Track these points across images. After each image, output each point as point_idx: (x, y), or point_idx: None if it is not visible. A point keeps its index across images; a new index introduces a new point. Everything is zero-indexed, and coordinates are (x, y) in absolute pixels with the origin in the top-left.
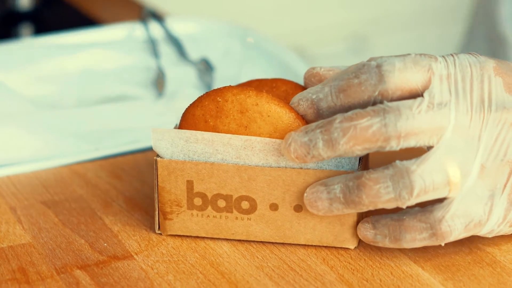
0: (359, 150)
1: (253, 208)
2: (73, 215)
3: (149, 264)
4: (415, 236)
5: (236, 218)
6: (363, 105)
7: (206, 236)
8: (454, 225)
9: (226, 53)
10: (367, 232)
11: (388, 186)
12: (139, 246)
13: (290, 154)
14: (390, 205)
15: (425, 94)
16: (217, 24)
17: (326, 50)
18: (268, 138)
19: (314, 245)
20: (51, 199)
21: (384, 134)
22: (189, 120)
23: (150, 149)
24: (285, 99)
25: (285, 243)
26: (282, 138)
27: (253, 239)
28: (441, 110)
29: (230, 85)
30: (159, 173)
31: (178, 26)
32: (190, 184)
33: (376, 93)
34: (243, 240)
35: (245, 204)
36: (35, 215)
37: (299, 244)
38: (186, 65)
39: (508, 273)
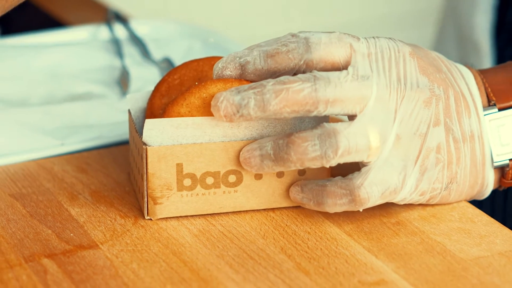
0: (288, 112)
1: (239, 180)
2: (40, 207)
3: (114, 253)
4: (335, 201)
5: (224, 192)
6: (288, 72)
7: (196, 214)
8: (371, 191)
9: (188, 52)
10: (296, 194)
11: (315, 144)
12: (104, 236)
13: (219, 111)
14: (315, 163)
15: (349, 68)
16: (179, 26)
17: None
18: None
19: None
20: (19, 192)
21: (313, 98)
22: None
23: (114, 145)
24: None
25: (268, 209)
26: None
27: (239, 209)
28: (365, 81)
29: (211, 79)
30: (149, 160)
31: (142, 28)
32: (179, 166)
33: (302, 62)
34: (204, 231)
35: (232, 178)
36: (3, 207)
37: (279, 208)
38: (150, 64)
39: (457, 261)
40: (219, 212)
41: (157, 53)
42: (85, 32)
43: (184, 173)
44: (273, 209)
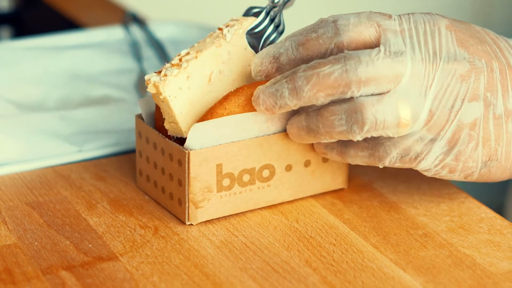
0: (323, 96)
1: (272, 174)
2: (57, 217)
3: (134, 265)
4: (357, 152)
5: (258, 188)
6: (321, 57)
7: (233, 213)
8: (391, 152)
9: None
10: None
11: (341, 118)
12: (124, 247)
13: (259, 106)
14: (343, 137)
15: (381, 46)
16: (197, 27)
17: None
18: None
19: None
20: (36, 200)
21: (345, 79)
22: None
23: (133, 151)
24: None
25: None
26: None
27: (272, 203)
28: (398, 57)
29: (247, 84)
30: (191, 164)
31: (160, 30)
32: (219, 167)
33: (332, 45)
34: (226, 242)
35: (265, 173)
36: (20, 216)
37: (307, 197)
38: None
39: (487, 276)
40: (254, 208)
41: (175, 56)
42: (102, 34)
43: (223, 173)
44: (296, 220)
